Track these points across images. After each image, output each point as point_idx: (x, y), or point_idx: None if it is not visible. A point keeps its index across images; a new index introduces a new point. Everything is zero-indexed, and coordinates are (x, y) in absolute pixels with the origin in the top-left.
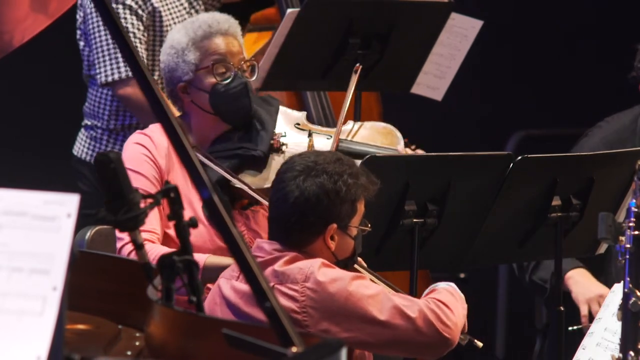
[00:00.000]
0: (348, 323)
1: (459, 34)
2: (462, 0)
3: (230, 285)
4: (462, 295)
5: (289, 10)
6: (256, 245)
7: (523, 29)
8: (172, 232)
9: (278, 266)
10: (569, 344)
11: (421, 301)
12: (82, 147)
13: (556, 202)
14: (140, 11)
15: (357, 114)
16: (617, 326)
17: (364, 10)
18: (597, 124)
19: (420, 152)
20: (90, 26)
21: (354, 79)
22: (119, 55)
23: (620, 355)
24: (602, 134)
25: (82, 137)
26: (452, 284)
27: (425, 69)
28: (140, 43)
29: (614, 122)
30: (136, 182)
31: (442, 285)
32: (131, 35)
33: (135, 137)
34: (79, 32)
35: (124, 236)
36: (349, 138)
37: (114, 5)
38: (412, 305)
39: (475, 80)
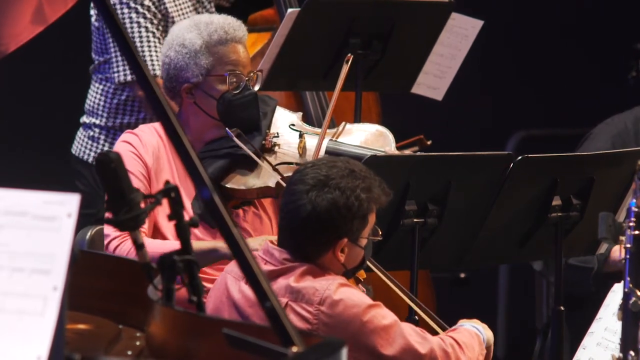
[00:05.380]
0: (356, 351)
1: (460, 33)
2: (462, 0)
3: (238, 287)
4: (485, 336)
5: (289, 10)
6: (265, 248)
7: (523, 29)
8: (162, 224)
9: (293, 281)
10: (569, 343)
11: (435, 339)
12: (80, 146)
13: (556, 202)
14: (157, 12)
15: (357, 115)
16: (618, 326)
17: (364, 10)
18: (597, 126)
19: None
20: None
21: (345, 69)
22: (144, 54)
23: (621, 355)
24: (608, 135)
25: (80, 136)
26: (478, 325)
27: (426, 69)
28: (159, 43)
29: (615, 123)
30: None
31: (466, 325)
32: (150, 35)
33: (124, 136)
34: (97, 23)
35: (110, 232)
36: (339, 139)
37: (132, 5)
38: (424, 342)
39: (475, 80)
